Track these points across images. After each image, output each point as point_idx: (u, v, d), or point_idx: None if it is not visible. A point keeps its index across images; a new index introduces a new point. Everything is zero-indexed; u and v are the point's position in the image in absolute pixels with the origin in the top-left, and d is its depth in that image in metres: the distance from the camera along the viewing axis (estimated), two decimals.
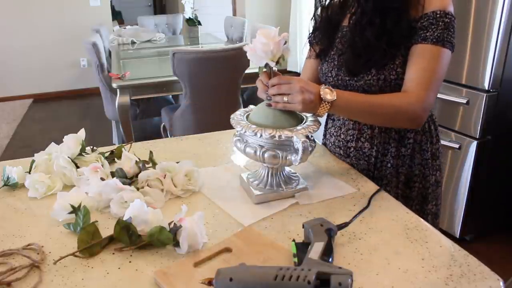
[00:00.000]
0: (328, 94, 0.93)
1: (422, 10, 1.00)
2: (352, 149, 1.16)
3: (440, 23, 0.98)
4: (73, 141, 1.11)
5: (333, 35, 1.16)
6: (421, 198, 1.17)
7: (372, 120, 1.07)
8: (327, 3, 1.17)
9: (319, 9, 1.19)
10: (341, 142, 1.18)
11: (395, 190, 1.14)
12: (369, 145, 1.13)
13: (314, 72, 1.24)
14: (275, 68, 0.95)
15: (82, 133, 1.14)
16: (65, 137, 1.11)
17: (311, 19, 1.23)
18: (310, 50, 1.25)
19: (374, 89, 1.06)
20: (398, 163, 1.13)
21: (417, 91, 0.98)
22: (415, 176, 1.15)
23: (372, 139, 1.13)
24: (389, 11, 1.00)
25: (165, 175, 1.00)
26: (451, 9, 1.00)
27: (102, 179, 0.98)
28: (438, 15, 0.98)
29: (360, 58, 1.05)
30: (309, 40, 1.24)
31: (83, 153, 1.12)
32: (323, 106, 0.93)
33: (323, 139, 1.31)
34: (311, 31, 1.23)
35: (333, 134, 1.22)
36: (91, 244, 0.79)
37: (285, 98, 0.90)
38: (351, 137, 1.16)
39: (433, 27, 0.98)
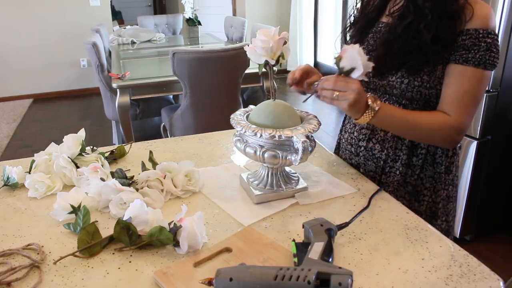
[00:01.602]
0: (375, 102, 0.93)
1: (463, 23, 0.96)
2: (362, 148, 1.14)
3: (482, 44, 0.94)
4: (73, 141, 1.11)
5: (367, 29, 1.13)
6: (430, 213, 1.12)
7: (408, 136, 1.06)
8: None
9: (359, 3, 1.16)
10: (353, 140, 1.17)
11: (401, 201, 1.07)
12: (380, 147, 1.11)
13: None
14: (275, 68, 0.95)
15: (82, 133, 1.14)
16: (65, 137, 1.11)
17: (350, 15, 1.20)
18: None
19: (395, 92, 1.04)
20: (407, 172, 1.09)
21: (456, 116, 0.97)
22: (425, 189, 1.11)
23: (383, 142, 1.10)
24: (443, 17, 0.96)
25: (165, 176, 1.00)
26: (493, 25, 0.96)
27: (102, 179, 0.98)
28: (480, 35, 0.94)
29: (395, 59, 1.02)
30: (343, 35, 1.21)
31: (83, 153, 1.12)
32: (367, 113, 0.93)
33: (339, 135, 1.29)
34: (347, 25, 1.20)
35: (347, 130, 1.21)
36: (91, 244, 0.79)
37: (336, 93, 0.89)
38: (363, 136, 1.14)
39: (475, 48, 0.94)
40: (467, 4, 0.95)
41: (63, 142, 1.11)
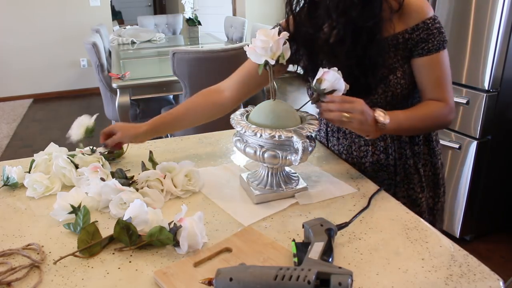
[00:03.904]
0: (382, 116, 0.95)
1: (406, 23, 1.01)
2: (368, 163, 1.15)
3: (434, 30, 1.01)
4: (77, 125, 1.17)
5: (313, 50, 1.10)
6: (433, 185, 1.20)
7: (415, 134, 1.13)
8: (295, 9, 1.09)
9: (290, 16, 1.11)
10: (355, 159, 1.17)
11: (420, 184, 1.16)
12: (385, 156, 1.13)
13: (248, 76, 1.19)
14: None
15: (87, 119, 1.18)
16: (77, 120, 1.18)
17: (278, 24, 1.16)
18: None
19: (381, 105, 1.05)
20: (415, 161, 1.15)
21: (444, 99, 1.05)
22: (427, 166, 1.18)
23: (386, 149, 1.13)
24: (361, 31, 0.98)
25: (165, 176, 1.00)
26: (431, 10, 1.03)
27: (102, 179, 0.98)
28: (429, 24, 1.01)
29: (358, 81, 1.02)
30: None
31: (82, 153, 1.12)
32: (377, 129, 0.95)
33: (336, 152, 1.23)
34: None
35: (342, 152, 1.20)
36: (91, 244, 0.79)
37: (345, 115, 0.90)
38: (365, 153, 1.15)
39: (431, 37, 1.01)
40: (397, 11, 1.00)
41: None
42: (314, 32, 1.07)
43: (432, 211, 1.20)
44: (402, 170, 1.15)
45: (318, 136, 1.30)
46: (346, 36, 0.99)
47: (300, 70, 1.19)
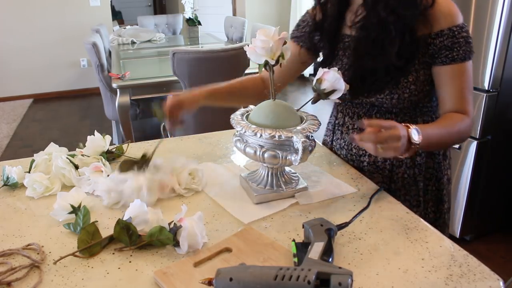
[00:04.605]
0: (417, 135, 0.86)
1: (431, 28, 0.98)
2: (365, 163, 1.14)
3: (460, 39, 0.97)
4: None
5: (334, 42, 1.11)
6: (436, 200, 1.16)
7: (441, 148, 1.11)
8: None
9: (317, 6, 1.13)
10: (354, 156, 1.16)
11: (417, 198, 1.12)
12: (383, 159, 1.11)
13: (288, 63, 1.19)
14: (275, 69, 0.95)
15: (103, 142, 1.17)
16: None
17: (300, 25, 1.19)
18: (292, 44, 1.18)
19: (386, 106, 1.05)
20: (415, 172, 1.11)
21: (466, 111, 1.01)
22: (430, 180, 1.14)
23: None
24: (402, 23, 0.96)
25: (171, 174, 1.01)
26: (461, 18, 0.98)
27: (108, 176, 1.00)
28: (456, 32, 0.97)
29: (365, 81, 1.02)
30: (294, 35, 1.20)
31: (80, 145, 1.13)
32: (411, 149, 0.86)
33: (336, 149, 1.24)
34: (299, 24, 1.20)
35: (343, 147, 1.19)
36: (91, 244, 0.79)
37: (380, 147, 0.82)
38: (363, 151, 1.14)
39: (456, 45, 0.97)
40: (429, 6, 0.96)
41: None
42: (337, 27, 1.09)
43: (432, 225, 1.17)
44: (400, 179, 1.12)
45: (326, 130, 1.30)
46: (396, 35, 0.96)
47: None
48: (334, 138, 1.24)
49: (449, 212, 1.20)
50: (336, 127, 1.23)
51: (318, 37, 1.15)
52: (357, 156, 1.16)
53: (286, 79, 1.24)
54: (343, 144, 1.20)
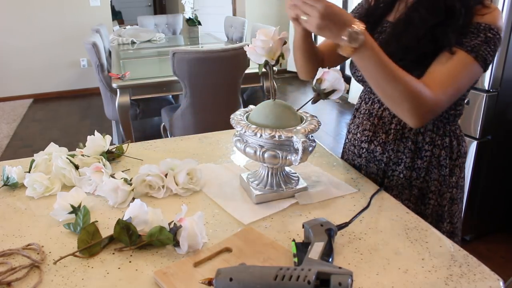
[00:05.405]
0: (361, 27, 0.80)
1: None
2: (364, 150, 1.14)
3: (482, 34, 0.91)
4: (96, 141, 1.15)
5: (374, 26, 1.10)
6: (436, 216, 1.11)
7: (381, 88, 0.89)
8: None
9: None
10: (356, 141, 1.16)
11: (407, 203, 1.07)
12: (381, 150, 1.10)
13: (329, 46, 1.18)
14: (275, 68, 0.95)
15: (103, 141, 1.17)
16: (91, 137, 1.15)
17: (355, 11, 1.19)
18: None
19: None
20: (412, 175, 1.08)
21: (434, 91, 0.89)
22: (431, 192, 1.09)
23: (385, 144, 1.09)
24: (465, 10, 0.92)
25: (166, 174, 1.01)
26: (499, 24, 0.92)
27: (113, 177, 1.00)
28: (481, 27, 0.91)
29: (406, 50, 0.97)
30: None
31: (80, 145, 1.13)
32: (351, 38, 0.80)
33: (346, 134, 1.25)
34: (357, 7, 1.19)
35: (351, 131, 1.20)
36: (91, 244, 0.79)
37: (303, 18, 0.82)
38: (366, 137, 1.13)
39: (472, 35, 0.91)
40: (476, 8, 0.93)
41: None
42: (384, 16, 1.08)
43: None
44: (395, 178, 1.09)
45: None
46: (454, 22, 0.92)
47: None
48: (350, 123, 1.24)
49: (453, 237, 1.12)
50: (354, 112, 1.22)
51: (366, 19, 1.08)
52: (359, 142, 1.16)
53: (332, 58, 1.17)
54: (352, 128, 1.20)
